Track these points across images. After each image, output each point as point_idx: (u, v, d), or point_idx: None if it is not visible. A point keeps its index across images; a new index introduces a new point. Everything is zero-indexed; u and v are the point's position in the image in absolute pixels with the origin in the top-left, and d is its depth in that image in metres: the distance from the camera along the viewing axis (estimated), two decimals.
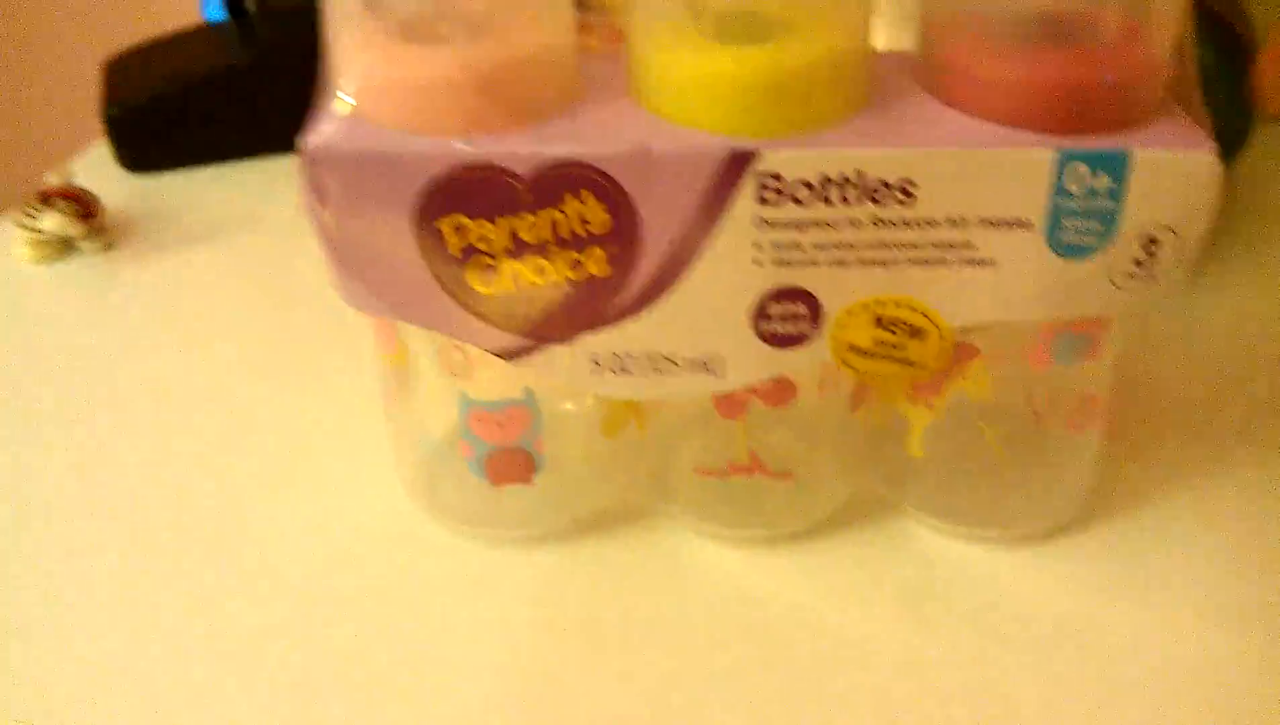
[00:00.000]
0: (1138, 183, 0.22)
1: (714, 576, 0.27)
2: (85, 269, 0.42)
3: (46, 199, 0.41)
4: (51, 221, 0.41)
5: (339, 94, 0.22)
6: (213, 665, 0.25)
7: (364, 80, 0.22)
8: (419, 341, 0.25)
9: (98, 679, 0.25)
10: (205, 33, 0.53)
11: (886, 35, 0.25)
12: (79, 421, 0.33)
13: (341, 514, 0.29)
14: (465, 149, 0.22)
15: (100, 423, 0.33)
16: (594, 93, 0.24)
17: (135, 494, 0.30)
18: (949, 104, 0.23)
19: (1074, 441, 0.27)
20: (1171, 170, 0.22)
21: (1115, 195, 0.22)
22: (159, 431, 0.33)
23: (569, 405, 0.27)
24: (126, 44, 0.52)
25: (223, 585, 0.27)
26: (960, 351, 0.25)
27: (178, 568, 0.27)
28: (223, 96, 0.48)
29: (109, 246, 0.42)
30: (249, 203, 0.46)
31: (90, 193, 0.42)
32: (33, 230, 0.41)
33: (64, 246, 0.42)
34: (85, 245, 0.42)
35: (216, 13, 0.54)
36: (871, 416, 0.27)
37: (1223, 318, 0.36)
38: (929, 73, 0.24)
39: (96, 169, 0.48)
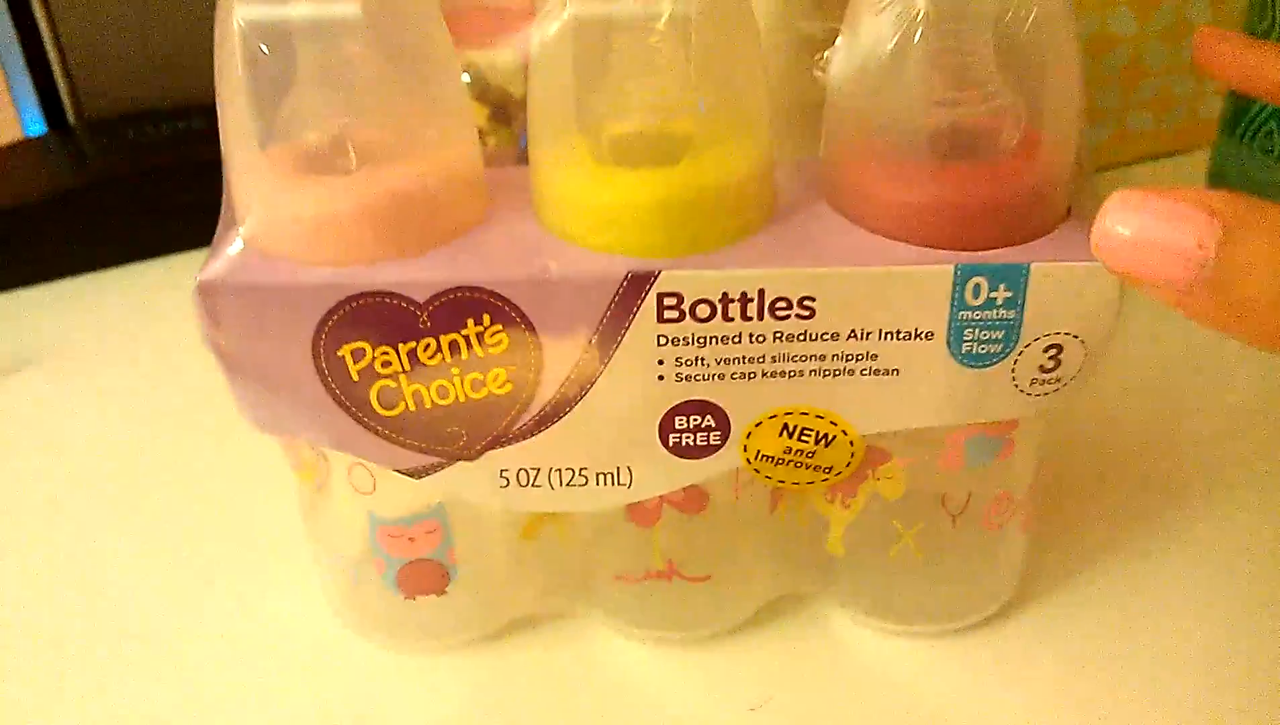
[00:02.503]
0: (1038, 294, 0.22)
1: (638, 680, 0.27)
2: None
3: None
4: None
5: (237, 226, 0.22)
6: None
7: (261, 212, 0.22)
8: (325, 459, 0.25)
9: None
10: (23, 149, 0.50)
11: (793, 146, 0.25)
12: None
13: (264, 628, 0.29)
14: (362, 279, 0.22)
15: None
16: (499, 210, 0.24)
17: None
18: (850, 218, 0.23)
19: (994, 538, 0.27)
20: (1071, 280, 0.22)
21: (1015, 306, 0.23)
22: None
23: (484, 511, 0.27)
24: None
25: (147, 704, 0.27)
26: (872, 455, 0.25)
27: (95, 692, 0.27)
28: (42, 217, 0.45)
29: None
30: (69, 325, 0.44)
31: None
32: None
33: None
34: None
35: (36, 126, 0.51)
36: (791, 515, 0.27)
37: (1143, 382, 0.37)
38: (831, 186, 0.24)
39: None
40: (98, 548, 0.32)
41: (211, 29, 0.21)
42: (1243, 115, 0.41)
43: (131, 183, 0.46)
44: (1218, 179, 0.44)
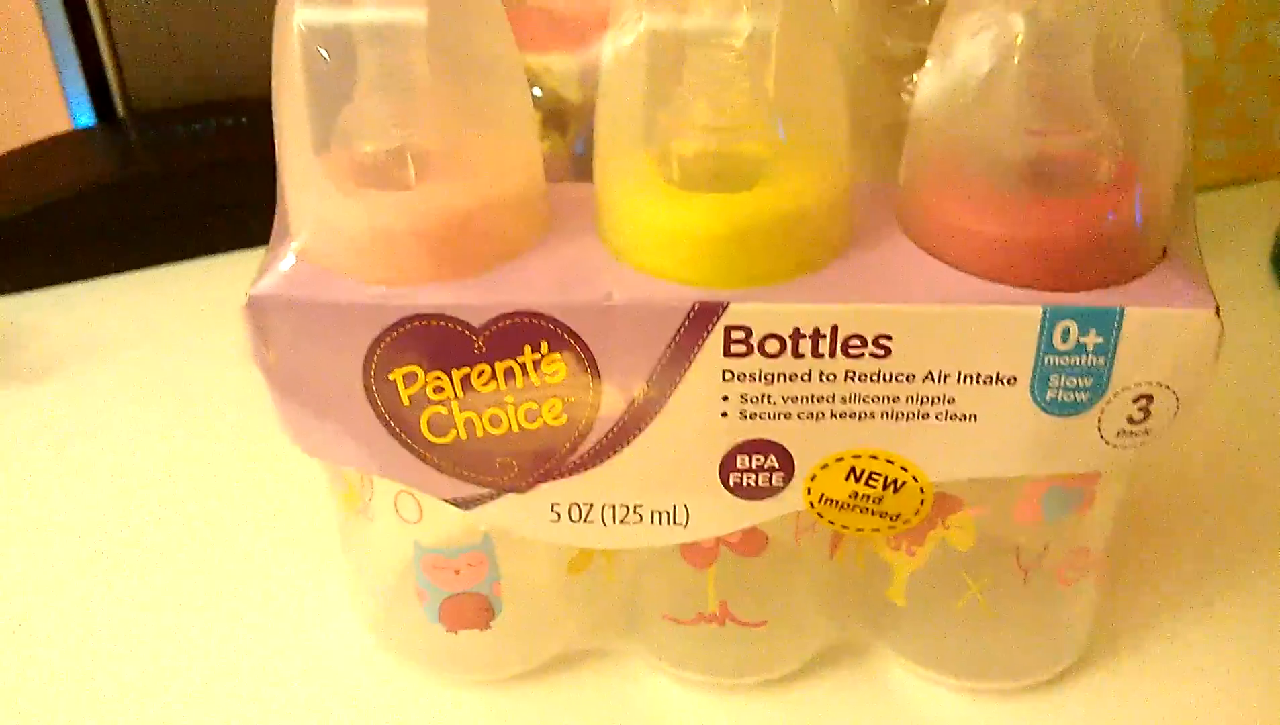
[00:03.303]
0: (1130, 341, 0.21)
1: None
2: None
3: None
4: None
5: (291, 239, 0.21)
6: None
7: (316, 226, 0.21)
8: (371, 485, 0.24)
9: None
10: (71, 141, 0.48)
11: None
12: None
13: (299, 649, 0.28)
14: (417, 300, 0.21)
15: None
16: (561, 229, 0.23)
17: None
18: (930, 251, 0.22)
19: (1067, 594, 0.25)
20: (1167, 328, 0.21)
21: (1106, 353, 0.21)
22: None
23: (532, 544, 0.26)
24: None
25: None
26: (942, 503, 0.24)
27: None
28: (87, 211, 0.44)
29: None
30: (105, 324, 0.42)
31: None
32: None
33: None
34: None
35: (85, 118, 0.50)
36: (851, 561, 0.26)
37: (1217, 428, 0.35)
38: (910, 216, 0.22)
39: None
40: (129, 556, 0.31)
41: (262, 24, 0.21)
42: None
43: (179, 177, 0.45)
44: None
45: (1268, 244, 0.44)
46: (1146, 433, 0.22)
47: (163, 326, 0.42)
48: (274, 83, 0.21)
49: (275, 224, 0.22)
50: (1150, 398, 0.22)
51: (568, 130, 0.36)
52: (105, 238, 0.45)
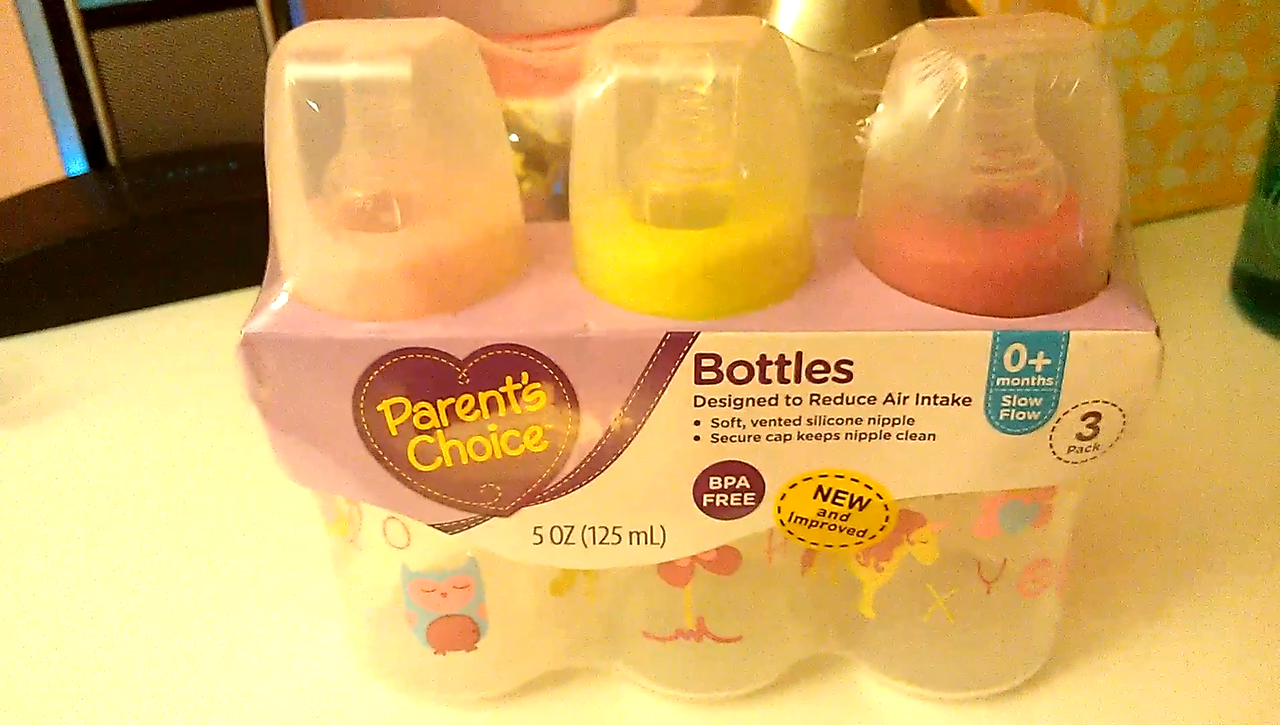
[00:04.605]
0: (1077, 362, 0.22)
1: None
2: None
3: None
4: None
5: (283, 280, 0.23)
6: None
7: (305, 267, 0.22)
8: (360, 513, 0.25)
9: None
10: (63, 188, 0.50)
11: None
12: None
13: (291, 676, 0.28)
14: (403, 335, 0.22)
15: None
16: (539, 267, 0.24)
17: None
18: (887, 281, 0.23)
19: (1029, 605, 0.26)
20: (1111, 349, 0.22)
21: (1054, 373, 0.22)
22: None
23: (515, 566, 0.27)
24: None
25: None
26: (906, 519, 0.25)
27: None
28: (81, 256, 0.45)
29: None
30: (101, 366, 0.43)
31: None
32: None
33: None
34: None
35: (78, 165, 0.51)
36: (823, 576, 0.27)
37: (1178, 447, 0.36)
38: (868, 248, 0.24)
39: None
40: (123, 590, 0.32)
41: (249, 72, 0.22)
42: (1276, 175, 0.41)
43: (170, 222, 0.46)
44: (1251, 238, 0.44)
45: (1227, 269, 0.45)
46: (1096, 448, 0.23)
47: (157, 368, 0.43)
48: (266, 133, 0.22)
49: (268, 266, 0.23)
50: (1098, 415, 0.23)
51: (548, 170, 0.37)
52: (99, 282, 0.46)
